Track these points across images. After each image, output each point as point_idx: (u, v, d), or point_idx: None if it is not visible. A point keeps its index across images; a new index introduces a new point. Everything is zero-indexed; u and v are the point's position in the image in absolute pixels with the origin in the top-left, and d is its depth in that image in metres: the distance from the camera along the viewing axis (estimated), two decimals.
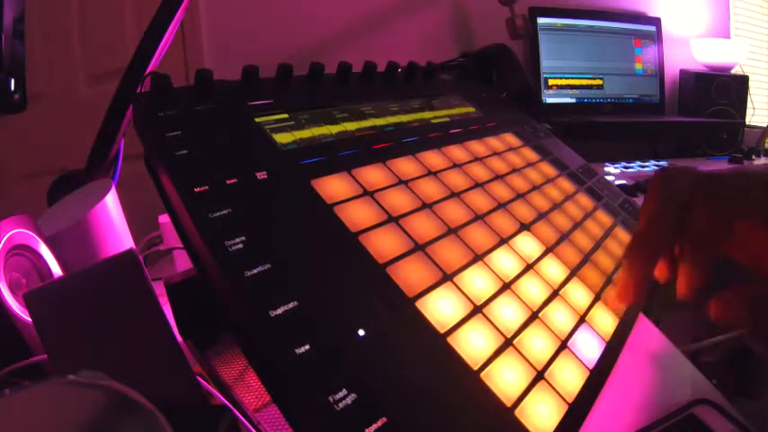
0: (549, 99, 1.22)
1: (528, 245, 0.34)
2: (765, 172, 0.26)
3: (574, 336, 0.29)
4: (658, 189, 0.27)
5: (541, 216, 0.39)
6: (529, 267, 0.32)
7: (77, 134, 0.67)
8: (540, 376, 0.26)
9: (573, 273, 0.34)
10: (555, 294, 0.31)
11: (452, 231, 0.32)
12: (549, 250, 0.35)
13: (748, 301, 0.23)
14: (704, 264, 0.25)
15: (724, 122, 1.31)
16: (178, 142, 0.28)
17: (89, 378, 0.19)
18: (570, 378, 0.27)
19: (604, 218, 0.44)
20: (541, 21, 1.21)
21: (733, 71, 1.44)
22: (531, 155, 0.48)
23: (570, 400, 0.25)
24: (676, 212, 0.26)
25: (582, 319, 0.31)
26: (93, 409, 0.18)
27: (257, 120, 0.33)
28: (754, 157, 1.23)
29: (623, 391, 0.29)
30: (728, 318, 0.24)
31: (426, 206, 0.33)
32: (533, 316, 0.29)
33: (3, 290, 0.35)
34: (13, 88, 0.45)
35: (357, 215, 0.29)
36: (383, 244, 0.28)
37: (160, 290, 0.32)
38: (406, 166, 0.36)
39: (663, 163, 1.06)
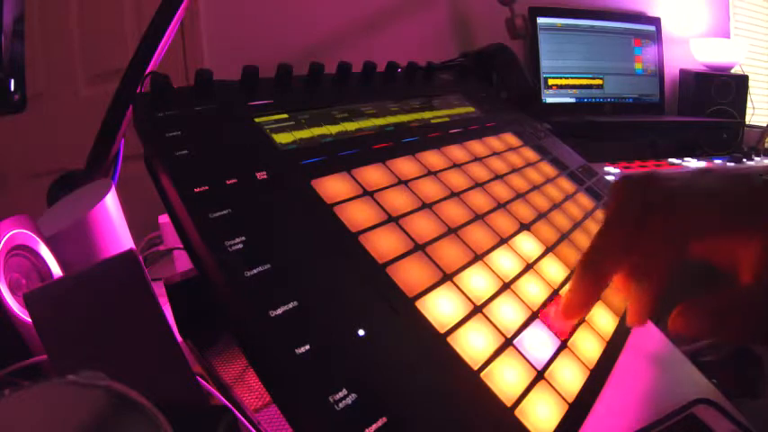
0: (549, 99, 1.22)
1: (528, 245, 0.34)
2: (711, 186, 0.25)
3: (574, 336, 0.29)
4: (614, 201, 0.26)
5: (541, 216, 0.39)
6: (529, 267, 0.32)
7: (77, 134, 0.67)
8: (540, 376, 0.26)
9: (573, 273, 0.34)
10: (555, 294, 0.31)
11: (452, 231, 0.32)
12: (548, 250, 0.35)
13: (709, 315, 0.22)
14: (653, 292, 0.24)
15: (724, 122, 1.31)
16: (178, 142, 0.28)
17: (89, 378, 0.19)
18: (570, 378, 0.27)
19: None
20: (541, 21, 1.21)
21: (733, 71, 1.44)
22: (530, 155, 0.48)
23: (570, 400, 0.25)
24: (628, 228, 0.25)
25: (582, 319, 0.31)
26: (93, 409, 0.18)
27: (257, 120, 0.33)
28: (754, 156, 1.23)
29: (623, 391, 0.29)
30: (690, 333, 0.23)
31: (426, 206, 0.33)
32: (533, 316, 0.29)
33: (3, 290, 0.35)
34: (13, 88, 0.45)
35: (357, 215, 0.29)
36: (383, 244, 0.28)
37: (160, 290, 0.32)
38: (405, 166, 0.36)
39: (662, 163, 1.06)
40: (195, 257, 0.25)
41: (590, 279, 0.26)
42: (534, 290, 0.31)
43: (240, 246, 0.24)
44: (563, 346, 0.28)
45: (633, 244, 0.25)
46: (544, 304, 0.30)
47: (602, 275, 0.25)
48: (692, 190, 0.25)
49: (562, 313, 0.26)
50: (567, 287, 0.29)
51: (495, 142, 0.46)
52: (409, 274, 0.27)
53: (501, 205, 0.37)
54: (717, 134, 1.29)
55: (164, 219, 0.63)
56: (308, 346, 0.21)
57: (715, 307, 0.23)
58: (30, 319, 0.28)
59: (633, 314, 0.25)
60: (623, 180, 0.26)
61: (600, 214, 0.44)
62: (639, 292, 0.25)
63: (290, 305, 0.22)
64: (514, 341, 0.27)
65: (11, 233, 0.38)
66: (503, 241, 0.33)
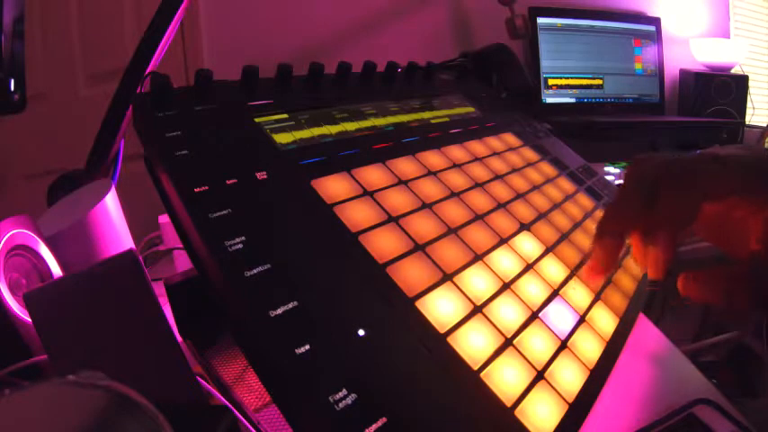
0: (549, 99, 1.22)
1: (528, 245, 0.34)
2: (733, 153, 0.26)
3: (574, 336, 0.29)
4: (629, 172, 0.27)
5: (541, 216, 0.39)
6: (529, 267, 0.32)
7: (77, 134, 0.67)
8: (540, 376, 0.26)
9: (573, 273, 0.34)
10: (555, 294, 0.31)
11: (452, 231, 0.32)
12: (548, 250, 0.35)
13: (725, 280, 0.24)
14: (671, 244, 0.26)
15: (724, 122, 1.31)
16: (178, 142, 0.28)
17: (89, 378, 0.19)
18: (570, 378, 0.27)
19: None
20: (541, 21, 1.21)
21: (733, 71, 1.44)
22: (530, 155, 0.48)
23: (570, 400, 0.25)
24: (645, 193, 0.26)
25: (582, 319, 0.31)
26: (93, 409, 0.18)
27: (257, 120, 0.33)
28: None
29: (623, 391, 0.29)
30: (702, 296, 0.24)
31: (426, 206, 0.33)
32: (533, 316, 0.29)
33: (3, 290, 0.35)
34: (12, 88, 0.45)
35: (357, 215, 0.29)
36: (383, 244, 0.28)
37: (160, 290, 0.32)
38: (405, 166, 0.36)
39: None
40: (195, 257, 0.25)
41: (612, 236, 0.27)
42: (534, 290, 0.31)
43: (240, 246, 0.24)
44: (563, 346, 0.28)
45: (648, 207, 0.25)
46: (544, 304, 0.30)
47: (622, 232, 0.27)
48: (706, 158, 0.26)
49: (589, 274, 0.28)
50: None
51: (494, 142, 0.46)
52: (409, 274, 0.27)
53: (501, 205, 0.37)
54: (717, 134, 1.29)
55: (164, 219, 0.63)
56: (307, 346, 0.21)
57: (728, 275, 0.24)
58: (30, 319, 0.28)
59: (652, 268, 0.26)
60: (642, 155, 0.27)
61: (600, 215, 0.44)
62: (656, 250, 0.26)
63: (290, 305, 0.22)
64: (514, 341, 0.27)
65: (11, 233, 0.38)
66: (503, 241, 0.33)
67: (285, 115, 0.35)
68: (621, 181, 0.29)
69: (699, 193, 0.25)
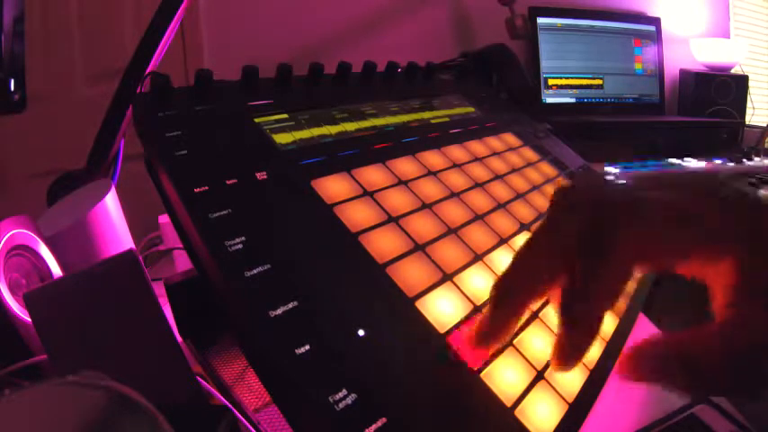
0: (549, 99, 1.22)
1: None
2: (685, 182, 0.20)
3: None
4: (549, 210, 0.21)
5: (541, 216, 0.38)
6: None
7: (77, 134, 0.67)
8: (540, 376, 0.26)
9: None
10: None
11: (452, 231, 0.32)
12: None
13: (655, 359, 0.18)
14: (585, 329, 0.19)
15: (724, 122, 1.31)
16: (178, 142, 0.28)
17: (89, 378, 0.19)
18: (570, 378, 0.27)
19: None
20: (541, 21, 1.21)
21: (733, 71, 1.44)
22: (530, 155, 0.48)
23: (570, 400, 0.25)
24: (561, 242, 0.20)
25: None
26: (93, 409, 0.18)
27: (257, 120, 0.33)
28: (754, 156, 1.23)
29: (623, 391, 0.29)
30: (633, 378, 0.19)
31: (426, 206, 0.33)
32: (533, 316, 0.29)
33: (3, 290, 0.35)
34: (12, 88, 0.45)
35: (357, 215, 0.29)
36: (383, 244, 0.28)
37: (160, 290, 0.32)
38: (405, 166, 0.36)
39: (661, 163, 1.06)
40: (195, 257, 0.25)
41: (507, 302, 0.21)
42: None
43: (240, 246, 0.24)
44: None
45: (566, 262, 0.20)
46: (543, 304, 0.30)
47: (523, 296, 0.20)
48: (644, 200, 0.20)
49: (471, 340, 0.21)
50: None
51: (494, 142, 0.46)
52: (409, 274, 0.27)
53: (501, 205, 0.37)
54: (717, 134, 1.29)
55: (164, 219, 0.63)
56: (307, 346, 0.21)
57: (661, 350, 0.18)
58: (30, 319, 0.28)
59: (557, 354, 0.20)
60: (561, 191, 0.21)
61: None
62: (566, 332, 0.20)
63: (290, 305, 0.22)
64: (514, 341, 0.27)
65: (11, 233, 0.38)
66: (503, 241, 0.33)
67: (285, 115, 0.35)
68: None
69: (629, 259, 0.19)
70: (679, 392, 0.18)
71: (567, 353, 0.20)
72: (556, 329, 0.20)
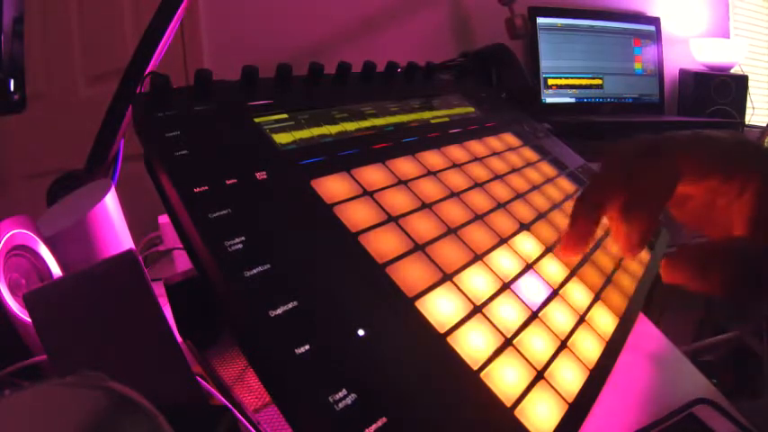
0: (549, 99, 1.22)
1: (528, 245, 0.34)
2: (713, 134, 0.26)
3: (574, 336, 0.29)
4: (609, 151, 0.27)
5: (541, 216, 0.39)
6: (529, 267, 0.32)
7: (77, 134, 0.67)
8: (540, 376, 0.26)
9: (573, 273, 0.34)
10: (555, 294, 0.31)
11: (452, 231, 0.32)
12: (548, 250, 0.35)
13: (695, 259, 0.23)
14: (643, 220, 0.25)
15: (723, 122, 1.31)
16: (178, 142, 0.28)
17: (89, 378, 0.19)
18: (570, 378, 0.27)
19: (604, 218, 0.44)
20: (541, 21, 1.21)
21: (733, 71, 1.44)
22: (530, 155, 0.48)
23: (570, 400, 0.25)
24: (624, 168, 0.26)
25: (582, 319, 0.31)
26: (93, 409, 0.18)
27: (257, 120, 0.33)
28: None
29: (623, 391, 0.29)
30: (676, 278, 0.24)
31: (426, 206, 0.33)
32: (533, 316, 0.29)
33: (3, 290, 0.35)
34: (12, 88, 0.45)
35: (357, 215, 0.29)
36: (383, 244, 0.28)
37: (160, 290, 0.32)
38: (405, 166, 0.36)
39: None
40: (195, 257, 0.25)
41: (587, 213, 0.26)
42: (534, 290, 0.31)
43: (240, 246, 0.24)
44: (563, 345, 0.28)
45: (625, 183, 0.25)
46: (543, 304, 0.30)
47: (597, 210, 0.26)
48: (685, 136, 0.26)
49: (563, 250, 0.27)
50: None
51: (494, 142, 0.46)
52: (409, 274, 0.27)
53: (501, 205, 0.37)
54: None
55: (164, 219, 0.63)
56: (307, 346, 0.21)
57: (698, 253, 0.23)
58: (30, 319, 0.28)
59: (624, 244, 0.26)
60: (619, 142, 0.28)
61: None
62: (630, 224, 0.25)
63: (290, 305, 0.22)
64: (514, 341, 0.27)
65: (11, 233, 0.38)
66: (503, 241, 0.33)
67: (285, 115, 0.35)
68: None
69: (674, 169, 0.25)
70: (710, 290, 0.23)
71: (633, 242, 0.25)
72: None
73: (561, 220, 0.40)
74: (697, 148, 0.25)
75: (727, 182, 0.25)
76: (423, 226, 0.31)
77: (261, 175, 0.28)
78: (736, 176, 0.24)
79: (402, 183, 0.34)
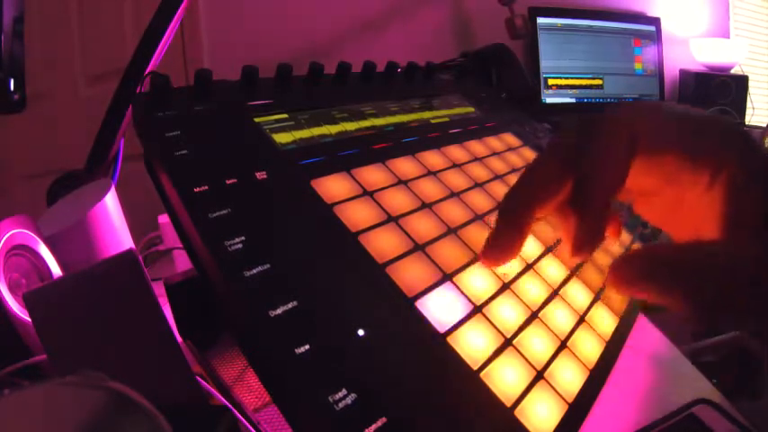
0: (549, 99, 1.22)
1: (527, 244, 0.34)
2: (671, 105, 0.21)
3: (574, 336, 0.29)
4: (548, 141, 0.23)
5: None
6: (529, 267, 0.32)
7: (77, 134, 0.67)
8: (539, 376, 0.26)
9: (573, 273, 0.34)
10: (555, 294, 0.31)
11: (452, 231, 0.32)
12: (548, 250, 0.35)
13: (644, 267, 0.18)
14: (588, 211, 0.20)
15: None
16: (178, 142, 0.28)
17: (89, 378, 0.19)
18: (570, 378, 0.27)
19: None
20: (541, 21, 1.21)
21: (733, 71, 1.45)
22: (530, 155, 0.48)
23: (570, 400, 0.25)
24: (565, 152, 0.21)
25: (582, 319, 0.31)
26: (94, 409, 0.18)
27: (257, 120, 0.33)
28: None
29: (623, 391, 0.29)
30: (621, 289, 0.19)
31: (426, 206, 0.33)
32: (533, 316, 0.29)
33: (2, 290, 0.35)
34: (12, 88, 0.45)
35: (357, 215, 0.29)
36: (383, 244, 0.28)
37: (160, 290, 0.32)
38: (405, 165, 0.36)
39: None
40: (195, 257, 0.25)
41: (509, 216, 0.21)
42: (534, 290, 0.31)
43: (240, 246, 0.24)
44: (563, 346, 0.28)
45: (564, 169, 0.20)
46: (544, 304, 0.30)
47: (527, 208, 0.21)
48: (643, 103, 0.21)
49: (482, 258, 0.22)
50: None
51: (494, 142, 0.46)
52: (409, 274, 0.27)
53: None
54: None
55: (164, 219, 0.63)
56: (307, 346, 0.21)
57: (648, 259, 0.18)
58: (30, 319, 0.28)
59: (569, 244, 0.21)
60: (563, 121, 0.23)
61: None
62: (573, 217, 0.20)
63: (290, 305, 0.22)
64: (514, 341, 0.27)
65: (11, 233, 0.38)
66: None
67: (285, 115, 0.35)
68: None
69: (622, 142, 0.20)
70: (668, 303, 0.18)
71: (579, 241, 0.20)
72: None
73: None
74: (654, 114, 0.20)
75: (694, 165, 0.20)
76: (423, 226, 0.31)
77: (261, 175, 0.28)
78: (703, 158, 0.19)
79: (402, 183, 0.34)
